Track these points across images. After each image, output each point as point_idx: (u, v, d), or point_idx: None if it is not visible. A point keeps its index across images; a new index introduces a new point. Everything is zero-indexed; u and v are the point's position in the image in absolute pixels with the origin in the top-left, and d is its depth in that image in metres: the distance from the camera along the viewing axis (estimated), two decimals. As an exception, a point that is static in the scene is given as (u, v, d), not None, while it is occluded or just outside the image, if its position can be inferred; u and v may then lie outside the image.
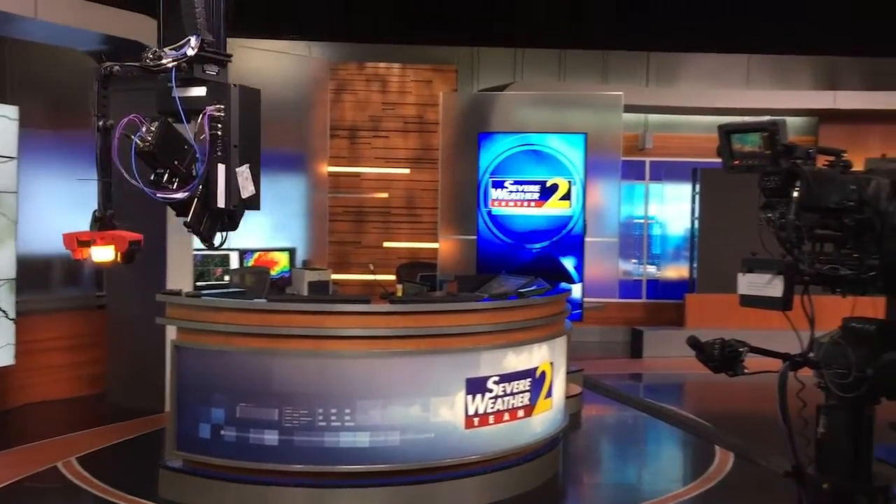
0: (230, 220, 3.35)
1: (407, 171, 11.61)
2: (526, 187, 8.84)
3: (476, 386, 5.32)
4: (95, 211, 3.21)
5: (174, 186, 3.11)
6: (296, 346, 5.17)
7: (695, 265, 12.65)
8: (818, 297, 2.74)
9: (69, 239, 3.17)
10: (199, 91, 3.19)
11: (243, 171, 3.25)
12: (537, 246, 8.85)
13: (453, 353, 5.30)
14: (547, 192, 8.79)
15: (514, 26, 12.56)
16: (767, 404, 2.67)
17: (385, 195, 11.59)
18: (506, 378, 5.47)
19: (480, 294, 6.02)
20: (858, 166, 2.96)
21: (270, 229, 9.80)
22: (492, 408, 5.39)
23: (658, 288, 13.11)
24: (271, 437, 5.03)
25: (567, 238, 8.81)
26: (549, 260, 8.73)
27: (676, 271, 13.22)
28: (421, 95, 11.65)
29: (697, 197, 12.53)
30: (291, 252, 9.62)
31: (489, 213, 8.92)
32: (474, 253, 9.05)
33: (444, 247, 9.73)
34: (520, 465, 5.63)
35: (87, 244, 3.16)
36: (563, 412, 6.23)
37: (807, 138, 12.39)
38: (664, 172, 13.01)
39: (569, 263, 8.79)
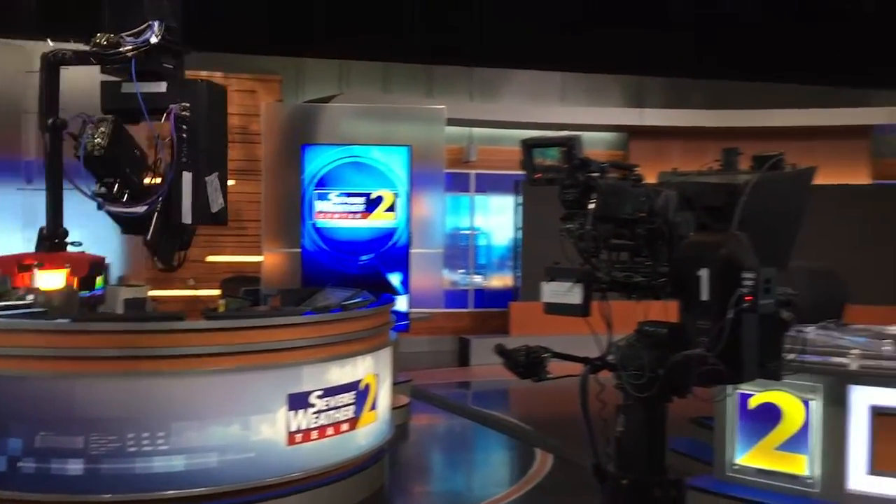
0: (186, 236, 2.96)
1: (231, 182, 11.22)
2: (351, 199, 8.83)
3: (298, 401, 5.23)
4: (42, 228, 2.73)
5: (124, 199, 2.69)
6: (104, 368, 4.87)
7: (518, 274, 13.10)
8: (616, 302, 2.89)
9: (6, 263, 2.67)
10: (158, 87, 2.76)
11: (213, 181, 2.86)
12: (364, 258, 8.85)
13: (274, 369, 5.18)
14: (372, 204, 8.81)
15: (340, 38, 12.54)
16: (593, 405, 2.81)
17: (208, 207, 11.19)
18: (329, 392, 5.41)
19: (303, 308, 5.93)
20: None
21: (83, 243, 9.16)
22: (315, 423, 5.32)
23: (484, 297, 13.45)
24: (76, 467, 4.70)
25: (393, 250, 8.87)
26: (374, 272, 8.74)
27: (502, 280, 13.63)
28: (244, 105, 11.36)
29: (520, 208, 12.99)
30: (105, 268, 9.07)
31: (314, 225, 8.82)
32: (299, 266, 8.92)
33: (268, 260, 9.51)
34: (345, 479, 5.58)
35: (28, 268, 2.69)
36: (389, 423, 6.24)
37: (617, 152, 13.17)
38: (489, 184, 13.38)
39: (395, 278, 8.85)
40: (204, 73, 11.26)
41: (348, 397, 5.57)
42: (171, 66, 2.82)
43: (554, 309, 2.86)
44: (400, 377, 8.37)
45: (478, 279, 13.55)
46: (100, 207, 2.64)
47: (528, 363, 2.87)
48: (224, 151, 2.85)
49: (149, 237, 2.78)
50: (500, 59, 13.03)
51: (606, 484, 2.90)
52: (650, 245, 2.84)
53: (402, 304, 8.76)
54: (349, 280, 8.06)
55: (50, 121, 2.68)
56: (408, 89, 12.89)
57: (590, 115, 12.94)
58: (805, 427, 4.94)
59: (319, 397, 5.35)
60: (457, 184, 13.10)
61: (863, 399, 4.81)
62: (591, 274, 2.80)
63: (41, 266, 2.66)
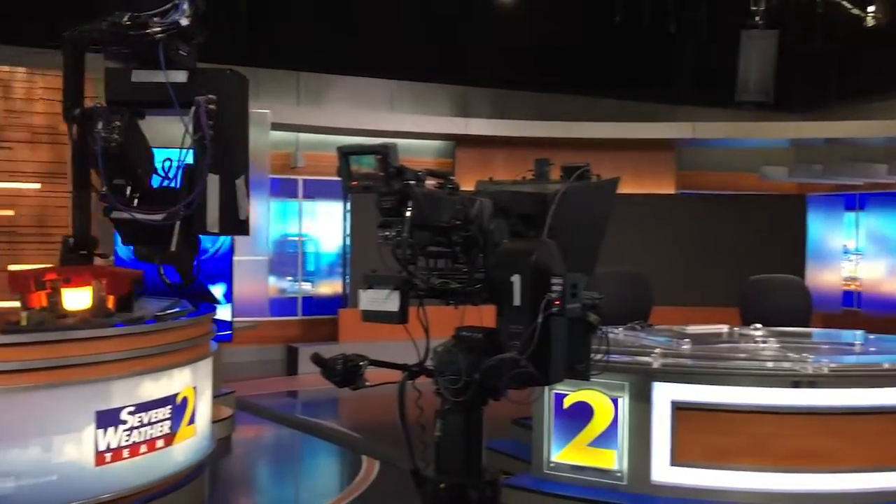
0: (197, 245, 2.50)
1: (37, 185, 10.49)
2: (169, 205, 8.44)
3: (108, 419, 4.93)
4: (68, 238, 2.23)
5: (135, 203, 2.26)
6: None
7: (348, 281, 13.04)
8: (436, 308, 2.92)
9: (19, 279, 2.12)
10: (179, 76, 2.32)
11: (240, 186, 2.44)
12: (184, 266, 8.48)
13: (80, 385, 4.85)
14: (192, 210, 8.48)
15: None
16: (411, 411, 2.82)
17: (10, 213, 10.35)
18: (142, 407, 5.14)
19: (114, 319, 5.59)
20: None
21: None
22: (127, 441, 5.03)
23: (313, 304, 13.29)
24: None
25: (215, 257, 8.57)
26: (195, 282, 8.41)
27: (331, 287, 13.52)
28: (52, 104, 10.60)
29: (348, 215, 12.95)
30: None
31: (129, 231, 8.36)
32: (114, 275, 8.41)
33: (79, 269, 8.92)
34: (161, 498, 5.32)
35: (44, 286, 2.15)
36: (209, 438, 6.02)
37: (445, 161, 13.42)
38: (317, 190, 13.24)
39: (218, 287, 8.54)
40: (5, 68, 10.45)
41: (164, 412, 5.31)
42: (185, 54, 2.45)
43: (371, 316, 2.85)
44: (223, 389, 8.11)
45: (306, 286, 13.37)
46: (108, 212, 2.22)
47: (346, 371, 2.85)
48: (246, 152, 2.49)
49: (173, 247, 2.39)
50: (328, 65, 12.94)
51: (425, 489, 2.92)
52: (466, 252, 2.89)
53: (225, 313, 8.48)
54: (168, 289, 7.68)
55: (77, 110, 2.29)
56: (232, 92, 12.51)
57: (418, 123, 13.11)
58: (614, 423, 5.22)
59: (131, 413, 5.07)
60: (284, 190, 12.87)
61: (664, 395, 5.15)
62: (409, 281, 2.81)
63: (67, 282, 2.18)
